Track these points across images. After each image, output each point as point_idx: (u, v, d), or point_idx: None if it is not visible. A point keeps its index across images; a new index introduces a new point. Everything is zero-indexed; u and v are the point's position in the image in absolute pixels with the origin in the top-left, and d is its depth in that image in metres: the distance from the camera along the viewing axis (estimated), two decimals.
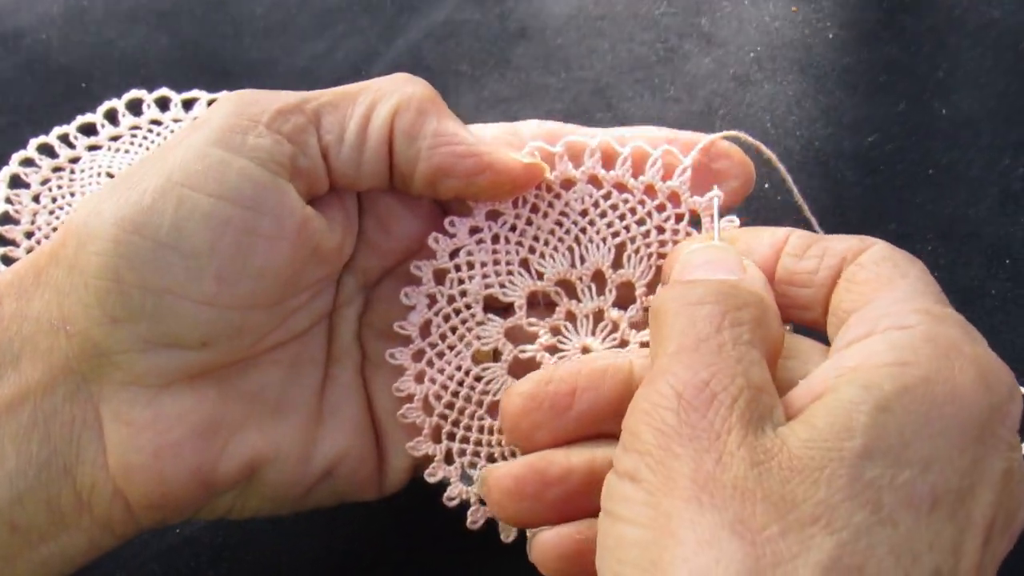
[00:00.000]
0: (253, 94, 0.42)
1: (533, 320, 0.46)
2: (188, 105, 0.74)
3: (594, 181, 0.45)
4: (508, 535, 0.46)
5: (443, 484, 0.47)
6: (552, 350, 0.46)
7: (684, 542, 0.32)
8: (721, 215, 0.45)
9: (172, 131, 0.73)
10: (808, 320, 0.42)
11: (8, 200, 0.69)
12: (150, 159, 0.41)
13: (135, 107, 0.74)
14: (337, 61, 0.77)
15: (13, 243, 0.67)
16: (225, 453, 0.44)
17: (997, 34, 0.75)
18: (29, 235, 0.67)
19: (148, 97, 0.74)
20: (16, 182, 0.70)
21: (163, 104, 0.74)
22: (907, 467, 0.33)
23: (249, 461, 0.44)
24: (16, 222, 0.68)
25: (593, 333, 0.46)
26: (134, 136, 0.73)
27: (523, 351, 0.46)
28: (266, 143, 0.41)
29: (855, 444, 0.33)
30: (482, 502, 0.47)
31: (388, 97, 0.43)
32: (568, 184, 0.45)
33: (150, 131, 0.73)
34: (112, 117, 0.74)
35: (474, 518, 0.47)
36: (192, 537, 0.53)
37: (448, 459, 0.47)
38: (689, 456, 0.33)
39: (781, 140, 0.69)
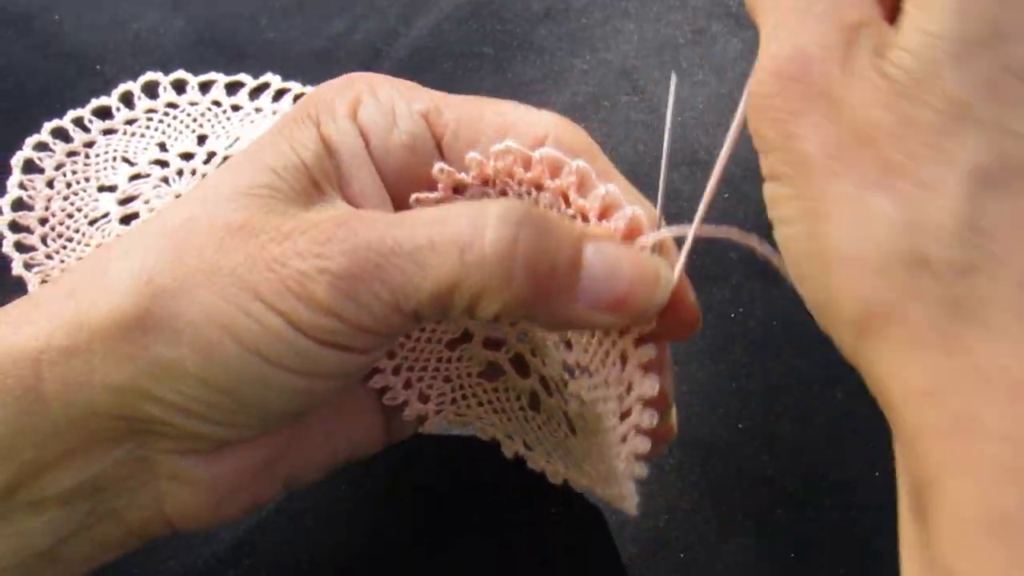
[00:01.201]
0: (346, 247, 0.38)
1: None
2: (205, 88, 0.73)
3: (564, 198, 0.42)
4: (431, 427, 0.50)
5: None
6: None
7: (834, 218, 0.31)
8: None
9: (188, 114, 0.71)
10: None
11: (22, 185, 0.67)
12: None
13: (151, 90, 0.73)
14: (356, 42, 0.75)
15: (27, 230, 0.65)
16: (273, 479, 0.44)
17: None
18: (43, 221, 0.66)
19: (164, 80, 0.73)
20: (30, 167, 0.69)
21: (179, 87, 0.73)
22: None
23: (288, 478, 0.45)
24: (30, 208, 0.66)
25: None
26: (150, 120, 0.71)
27: None
28: (342, 338, 0.39)
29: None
30: (437, 411, 0.49)
31: (496, 293, 0.38)
32: (540, 188, 0.43)
33: (166, 114, 0.71)
34: (127, 100, 0.72)
35: (427, 428, 0.50)
36: (211, 534, 0.52)
37: (407, 385, 0.48)
38: (809, 131, 0.32)
39: None
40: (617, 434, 0.41)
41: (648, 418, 0.40)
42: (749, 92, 0.34)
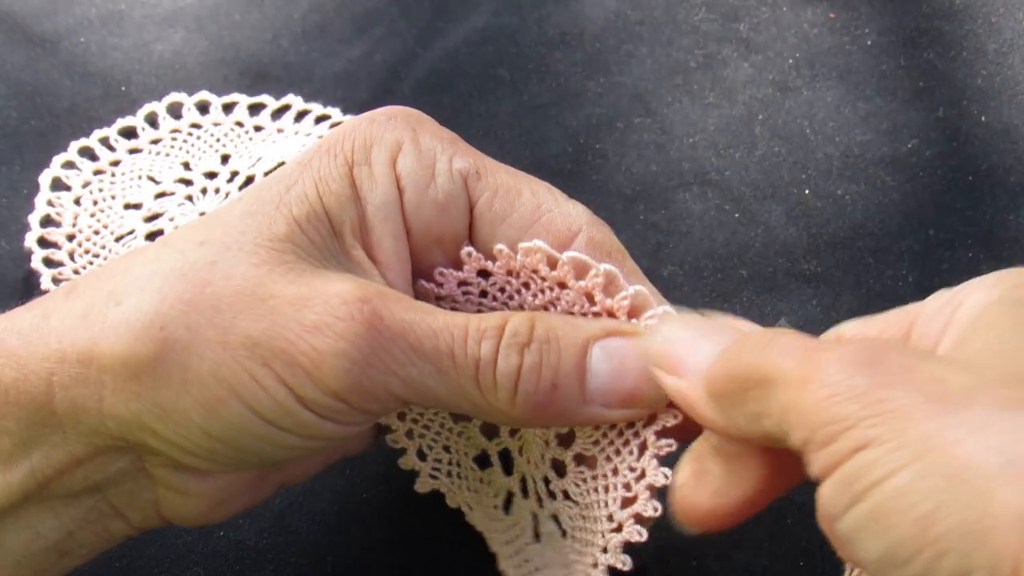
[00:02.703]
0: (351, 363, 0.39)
1: None
2: (228, 108, 0.75)
3: (588, 297, 0.43)
4: (423, 488, 0.49)
5: None
6: None
7: (967, 437, 0.29)
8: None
9: (212, 134, 0.73)
10: None
11: (50, 203, 0.69)
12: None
13: (175, 110, 0.75)
14: (375, 64, 0.77)
15: (55, 245, 0.67)
16: (267, 486, 0.46)
17: None
18: (71, 238, 0.68)
19: (188, 100, 0.75)
20: (57, 184, 0.70)
21: (203, 107, 0.75)
22: None
23: (282, 484, 0.47)
24: (58, 224, 0.68)
25: None
26: (174, 139, 0.73)
27: None
28: (344, 416, 0.40)
29: None
30: (432, 476, 0.49)
31: (503, 416, 0.41)
32: (563, 286, 0.43)
33: (190, 134, 0.73)
34: (152, 120, 0.74)
35: (420, 486, 0.49)
36: (237, 540, 0.53)
37: (409, 435, 0.49)
38: (900, 392, 0.31)
39: (820, 146, 0.69)
40: (607, 528, 0.42)
41: (652, 508, 0.41)
42: (811, 394, 0.33)
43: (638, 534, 0.41)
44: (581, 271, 0.42)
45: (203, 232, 0.41)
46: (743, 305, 0.61)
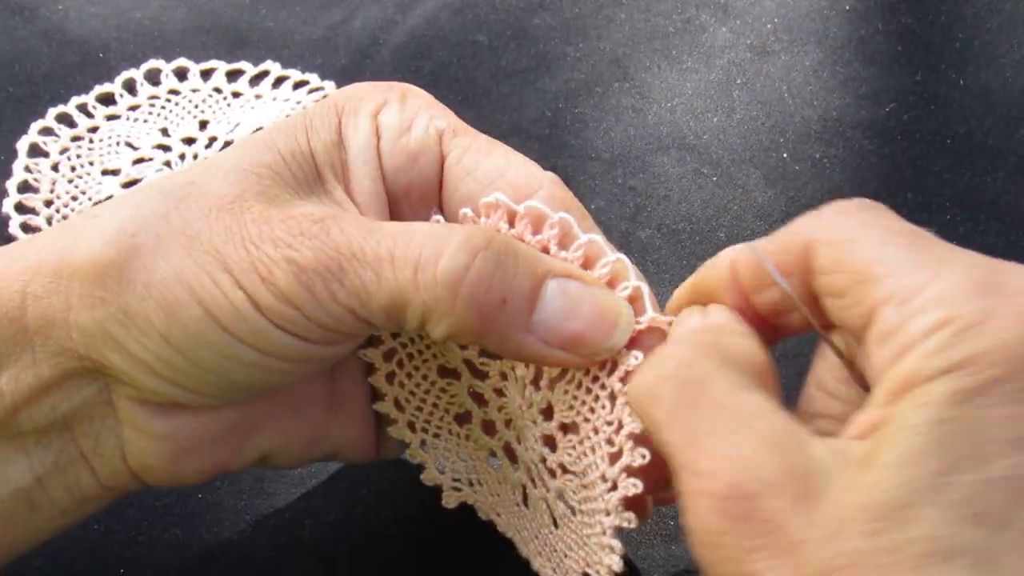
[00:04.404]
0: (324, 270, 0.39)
1: (485, 360, 0.45)
2: (206, 75, 0.74)
3: (545, 251, 0.42)
4: (451, 502, 0.49)
5: None
6: (499, 393, 0.46)
7: None
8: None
9: (190, 100, 0.73)
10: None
11: (27, 169, 0.69)
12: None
13: (153, 77, 0.74)
14: (354, 30, 0.77)
15: (33, 211, 0.67)
16: (241, 450, 0.46)
17: (1013, 5, 0.75)
18: (48, 204, 0.67)
19: (166, 67, 0.74)
20: (35, 151, 0.70)
21: (181, 74, 0.75)
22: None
23: (261, 454, 0.46)
24: (35, 191, 0.68)
25: (523, 395, 0.44)
26: (152, 106, 0.73)
27: (477, 386, 0.46)
28: (299, 328, 0.40)
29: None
30: (455, 488, 0.49)
31: (442, 316, 0.39)
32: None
33: (168, 100, 0.73)
34: (130, 87, 0.74)
35: (447, 501, 0.49)
36: (215, 502, 0.53)
37: (423, 446, 0.49)
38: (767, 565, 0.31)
39: (798, 110, 0.69)
40: (603, 489, 0.41)
41: (639, 456, 0.40)
42: (688, 526, 0.33)
43: (633, 487, 0.40)
44: (538, 225, 0.42)
45: (190, 166, 0.44)
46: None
